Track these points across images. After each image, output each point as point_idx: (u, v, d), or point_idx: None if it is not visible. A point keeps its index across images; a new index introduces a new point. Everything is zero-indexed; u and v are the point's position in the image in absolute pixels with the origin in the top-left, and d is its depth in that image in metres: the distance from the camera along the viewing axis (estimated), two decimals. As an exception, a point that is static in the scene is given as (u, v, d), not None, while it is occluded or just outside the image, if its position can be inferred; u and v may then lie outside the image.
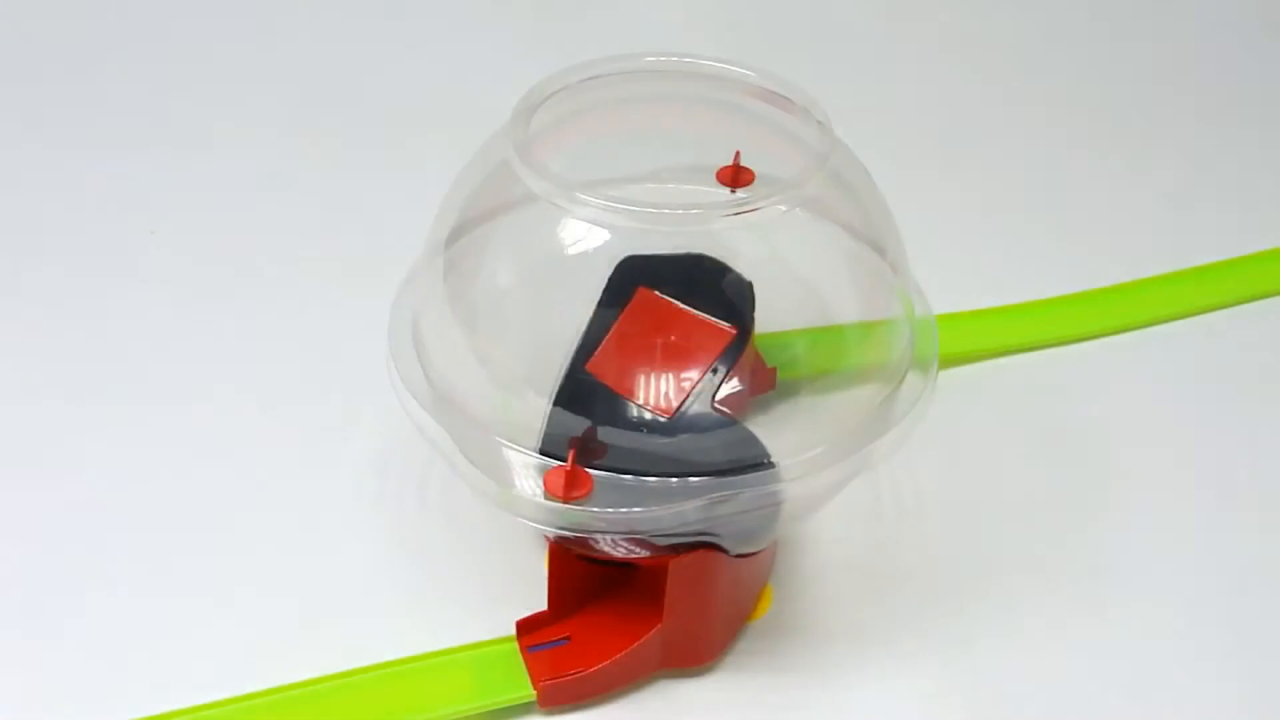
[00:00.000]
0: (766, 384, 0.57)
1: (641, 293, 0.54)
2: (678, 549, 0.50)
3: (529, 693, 0.52)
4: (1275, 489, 0.63)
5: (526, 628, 0.54)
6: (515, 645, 0.54)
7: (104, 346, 0.72)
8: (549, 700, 0.52)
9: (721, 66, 0.54)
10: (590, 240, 0.49)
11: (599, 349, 0.52)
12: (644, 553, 0.51)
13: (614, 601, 0.55)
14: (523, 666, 0.53)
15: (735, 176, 0.58)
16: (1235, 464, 0.65)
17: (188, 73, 0.99)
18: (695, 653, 0.54)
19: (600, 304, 0.53)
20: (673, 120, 0.55)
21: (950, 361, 0.69)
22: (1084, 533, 0.61)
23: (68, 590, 0.57)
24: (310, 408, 0.68)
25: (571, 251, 0.49)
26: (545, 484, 0.47)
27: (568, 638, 0.54)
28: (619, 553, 0.51)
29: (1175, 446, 0.66)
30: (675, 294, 0.54)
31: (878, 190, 0.53)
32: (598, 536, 0.52)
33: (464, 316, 0.52)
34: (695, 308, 0.53)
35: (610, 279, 0.53)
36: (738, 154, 0.57)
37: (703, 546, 0.50)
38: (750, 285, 0.54)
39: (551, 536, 0.52)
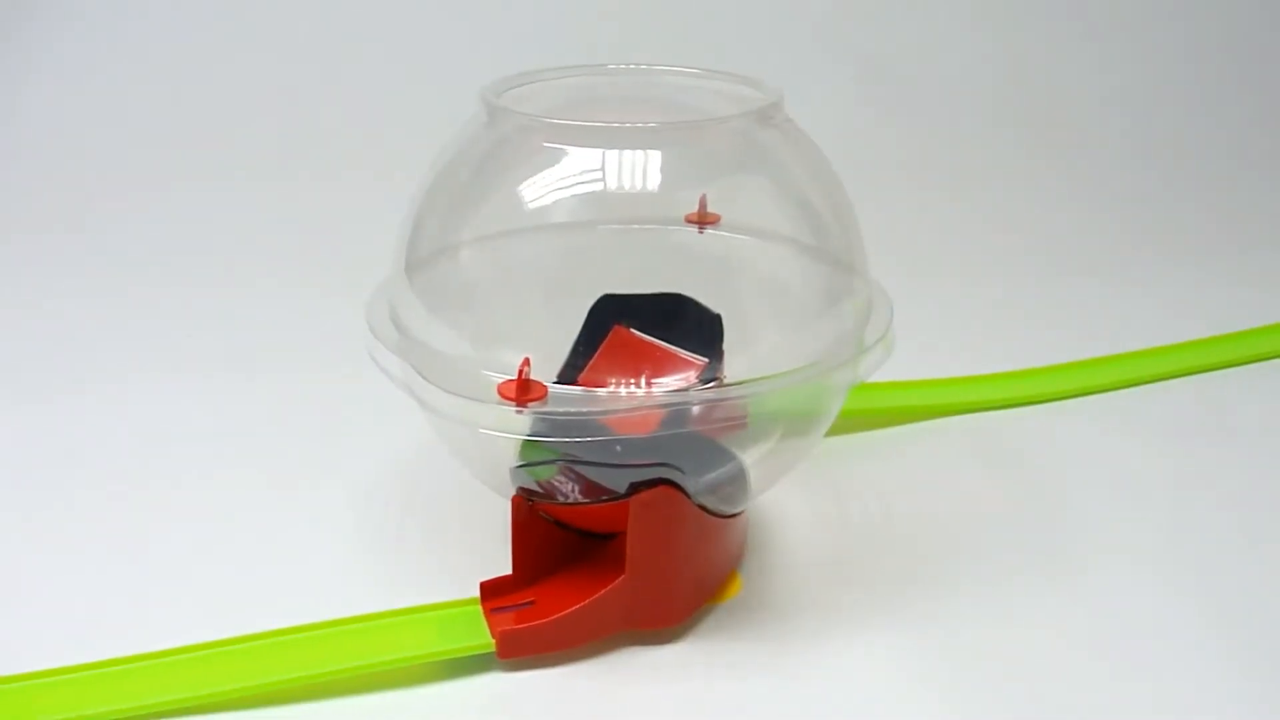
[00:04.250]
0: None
1: (617, 330, 0.57)
2: (638, 487, 0.51)
3: (488, 642, 0.51)
4: (1211, 485, 0.68)
5: (491, 591, 0.54)
6: (479, 606, 0.53)
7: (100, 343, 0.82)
8: (508, 649, 0.51)
9: (679, 69, 0.59)
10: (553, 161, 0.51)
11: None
12: (605, 497, 0.52)
13: (578, 570, 0.55)
14: (484, 622, 0.52)
15: (702, 218, 0.62)
16: (1175, 484, 0.68)
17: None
18: (659, 613, 0.53)
19: (578, 341, 0.56)
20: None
21: (925, 414, 0.74)
22: (1036, 539, 0.62)
23: (76, 531, 0.62)
24: (290, 401, 0.74)
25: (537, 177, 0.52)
26: (499, 392, 0.48)
27: (531, 601, 0.54)
28: (577, 493, 0.52)
29: (1119, 473, 0.69)
30: (649, 330, 0.56)
31: (822, 178, 0.56)
32: (559, 480, 0.53)
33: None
34: (668, 342, 0.55)
35: (588, 317, 0.55)
36: (703, 198, 0.61)
37: (663, 483, 0.51)
38: (719, 318, 0.57)
39: (515, 487, 0.53)
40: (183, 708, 0.49)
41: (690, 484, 0.51)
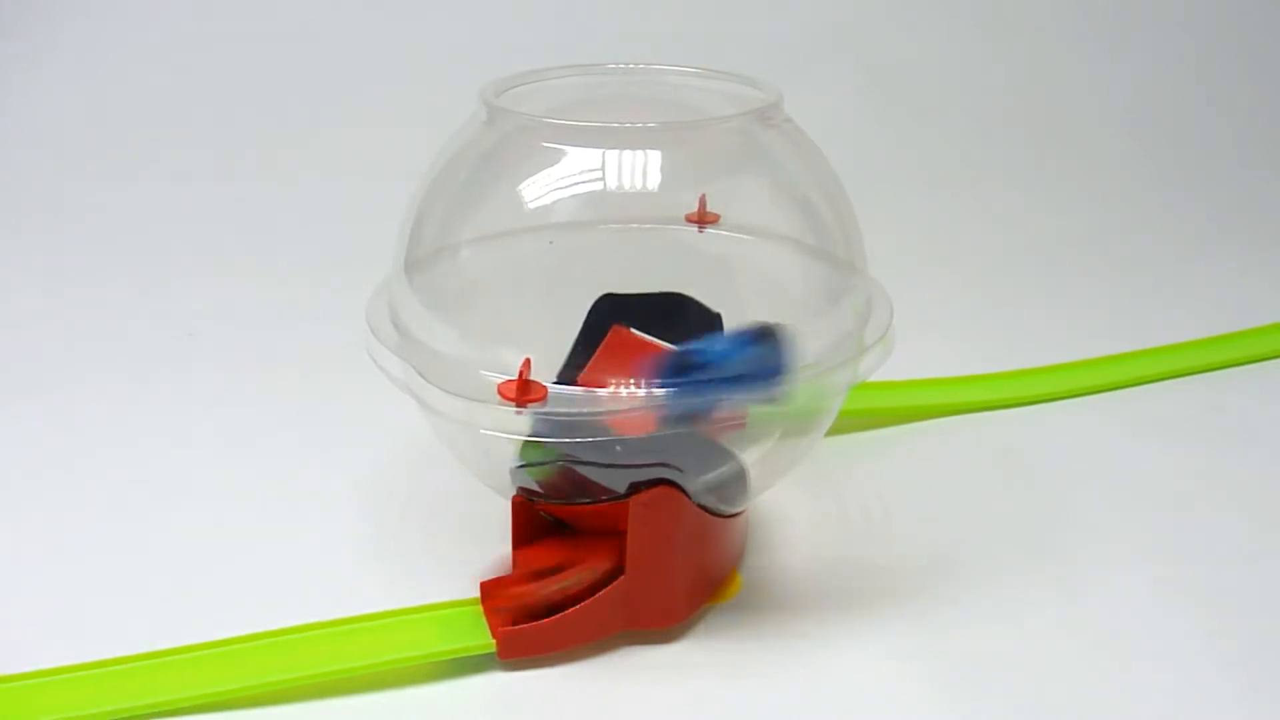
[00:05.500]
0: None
1: (616, 329, 0.57)
2: (638, 487, 0.51)
3: (489, 642, 0.51)
4: (1212, 485, 0.68)
5: (491, 590, 0.54)
6: (479, 606, 0.53)
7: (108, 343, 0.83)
8: (509, 650, 0.51)
9: (679, 69, 0.59)
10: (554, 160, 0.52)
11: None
12: (605, 497, 0.52)
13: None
14: (484, 622, 0.52)
15: (702, 217, 0.62)
16: (1175, 484, 0.68)
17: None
18: (660, 613, 0.53)
19: (577, 340, 0.56)
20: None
21: (925, 414, 0.75)
22: (1036, 539, 0.62)
23: (88, 530, 0.62)
24: (296, 402, 0.74)
25: (538, 176, 0.52)
26: (499, 392, 0.48)
27: (531, 601, 0.53)
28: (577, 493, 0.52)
29: (1119, 473, 0.69)
30: (649, 330, 0.56)
31: (822, 177, 0.56)
32: (559, 480, 0.53)
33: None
34: (669, 342, 0.54)
35: (587, 317, 0.55)
36: (703, 197, 0.61)
37: (662, 483, 0.51)
38: (719, 317, 0.57)
39: (516, 487, 0.53)
40: (182, 707, 0.49)
41: (690, 484, 0.51)
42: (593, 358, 0.55)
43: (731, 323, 0.54)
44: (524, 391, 0.48)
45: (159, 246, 0.97)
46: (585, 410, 0.48)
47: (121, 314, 0.87)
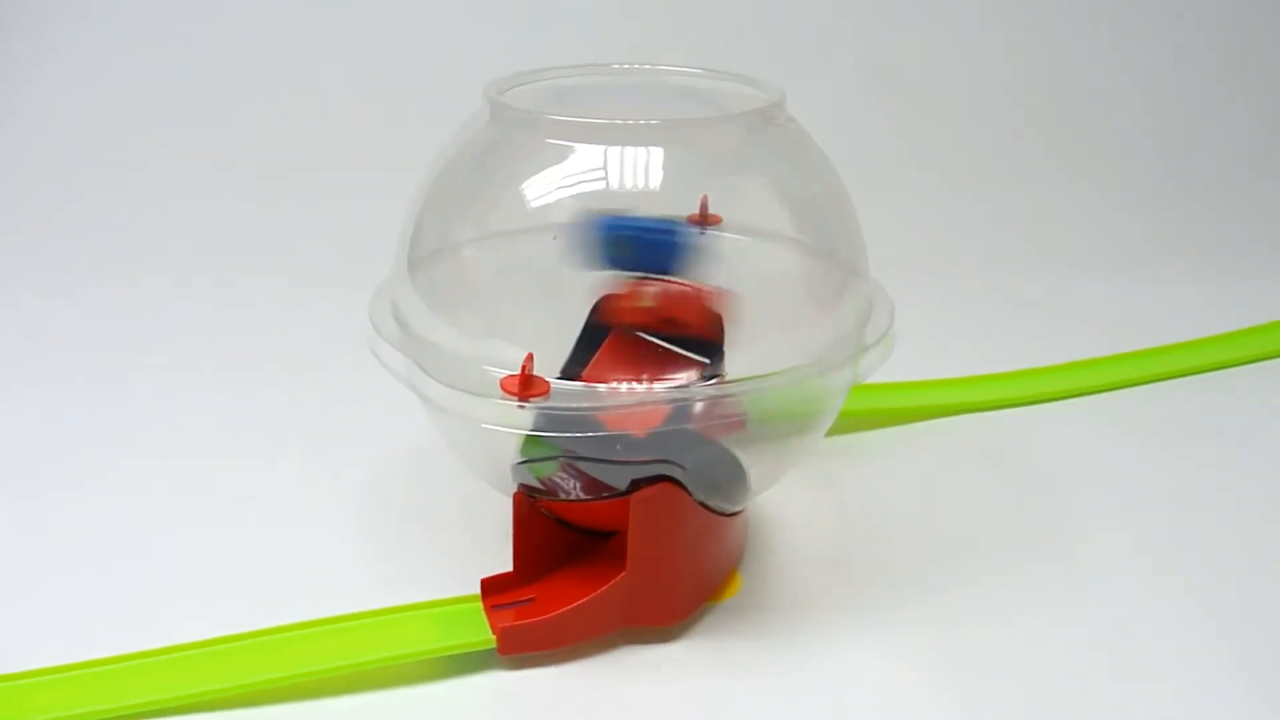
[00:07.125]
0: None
1: (617, 329, 0.56)
2: (639, 484, 0.51)
3: (489, 639, 0.51)
4: (1212, 485, 0.68)
5: (491, 588, 0.54)
6: (480, 603, 0.53)
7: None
8: (509, 646, 0.51)
9: (682, 68, 0.59)
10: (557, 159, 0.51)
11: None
12: (606, 494, 0.52)
13: (579, 567, 0.55)
14: (484, 619, 0.52)
15: (704, 218, 0.61)
16: (1175, 484, 0.68)
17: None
18: (660, 611, 0.53)
19: (580, 338, 0.56)
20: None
21: (925, 414, 0.74)
22: (1036, 539, 0.62)
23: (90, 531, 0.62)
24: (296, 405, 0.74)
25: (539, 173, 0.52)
26: (501, 387, 0.48)
27: (532, 598, 0.54)
28: (578, 490, 0.52)
29: (1119, 473, 0.69)
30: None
31: (824, 177, 0.57)
32: (560, 477, 0.53)
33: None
34: (669, 341, 0.54)
35: (589, 315, 0.55)
36: (704, 198, 0.61)
37: (663, 480, 0.51)
38: (720, 317, 0.57)
39: (516, 484, 0.53)
40: (183, 705, 0.49)
41: (691, 481, 0.51)
42: (595, 355, 0.55)
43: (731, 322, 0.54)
44: (526, 386, 0.48)
45: (160, 246, 0.97)
46: (587, 406, 0.48)
47: (122, 313, 0.87)
